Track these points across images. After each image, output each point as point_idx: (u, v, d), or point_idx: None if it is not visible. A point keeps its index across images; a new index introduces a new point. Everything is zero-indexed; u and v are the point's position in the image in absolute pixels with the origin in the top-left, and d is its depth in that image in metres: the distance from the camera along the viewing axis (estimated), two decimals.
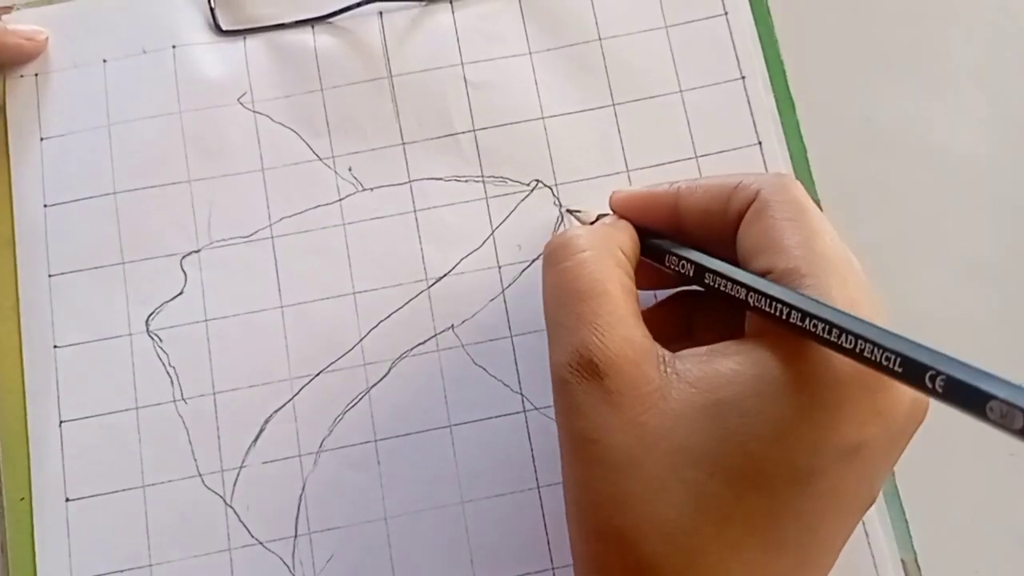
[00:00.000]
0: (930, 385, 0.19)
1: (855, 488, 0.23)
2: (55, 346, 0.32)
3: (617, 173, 0.33)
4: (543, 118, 0.34)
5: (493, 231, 0.33)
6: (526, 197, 0.33)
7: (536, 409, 0.31)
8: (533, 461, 0.31)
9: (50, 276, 0.32)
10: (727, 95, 0.34)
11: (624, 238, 0.27)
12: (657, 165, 0.33)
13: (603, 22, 0.35)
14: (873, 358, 0.20)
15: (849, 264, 0.24)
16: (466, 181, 0.33)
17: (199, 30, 0.35)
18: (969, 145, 0.34)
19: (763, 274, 0.24)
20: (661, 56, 0.34)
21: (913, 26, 0.36)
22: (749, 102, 0.34)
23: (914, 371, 0.20)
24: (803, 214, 0.24)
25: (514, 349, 0.32)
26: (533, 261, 0.33)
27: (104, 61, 0.34)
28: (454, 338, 0.32)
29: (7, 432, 0.31)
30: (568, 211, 0.33)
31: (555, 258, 0.26)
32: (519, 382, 0.32)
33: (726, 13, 0.35)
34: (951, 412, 0.31)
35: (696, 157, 0.33)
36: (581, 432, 0.23)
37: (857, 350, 0.21)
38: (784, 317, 0.22)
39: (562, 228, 0.33)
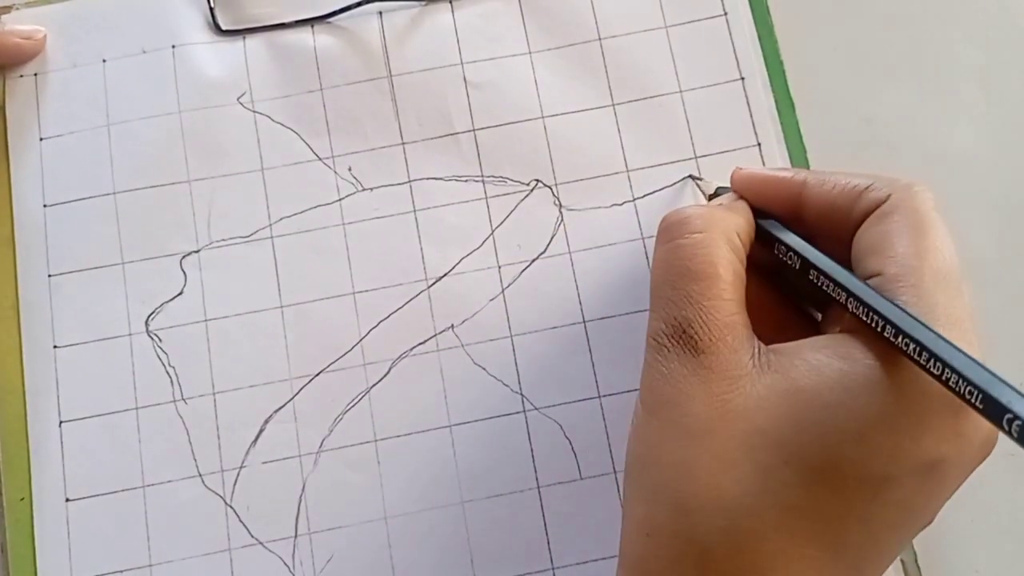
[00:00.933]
0: (1007, 428, 0.20)
1: (922, 506, 0.23)
2: (55, 346, 0.32)
3: (616, 173, 0.33)
4: (543, 118, 0.34)
5: (493, 231, 0.33)
6: (526, 197, 0.33)
7: (536, 409, 0.31)
8: (533, 461, 0.31)
9: (50, 276, 0.32)
10: (727, 96, 0.34)
11: (741, 222, 0.27)
12: (656, 165, 0.33)
13: (603, 22, 0.34)
14: (957, 389, 0.21)
15: (959, 285, 0.24)
16: (466, 181, 0.33)
17: (199, 30, 0.35)
18: (969, 145, 0.34)
19: (871, 276, 0.24)
20: (661, 56, 0.34)
21: (913, 26, 0.36)
22: (748, 103, 0.34)
23: (994, 409, 0.20)
24: (925, 225, 0.24)
25: (514, 349, 0.32)
26: (533, 261, 0.33)
27: (103, 61, 0.34)
28: (454, 338, 0.32)
29: (7, 432, 0.31)
30: (691, 177, 0.33)
31: (670, 234, 0.26)
32: (519, 382, 0.32)
33: (726, 13, 0.35)
34: None
35: (695, 157, 0.33)
36: (665, 394, 0.24)
37: (944, 377, 0.21)
38: (879, 329, 0.22)
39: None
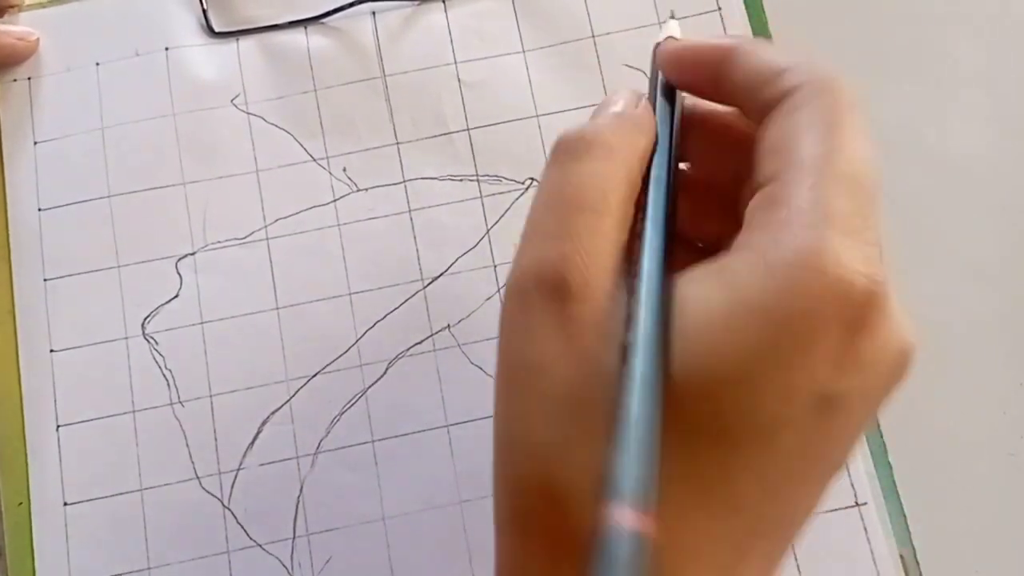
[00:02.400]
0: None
1: (825, 450, 0.20)
2: (51, 350, 0.32)
3: None
4: (537, 116, 0.34)
5: (488, 230, 0.33)
6: (520, 196, 0.33)
7: None
8: None
9: (45, 280, 0.32)
10: None
11: (646, 145, 0.23)
12: None
13: (596, 19, 0.34)
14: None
15: (870, 195, 0.20)
16: (460, 180, 0.33)
17: (192, 32, 0.35)
18: (969, 146, 0.34)
19: (768, 181, 0.20)
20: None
21: (913, 26, 0.36)
22: None
23: None
24: (838, 122, 0.20)
25: None
26: None
27: (97, 64, 0.34)
28: (450, 338, 0.32)
29: (5, 437, 0.31)
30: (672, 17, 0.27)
31: (567, 154, 0.22)
32: None
33: (719, 8, 0.34)
34: (951, 411, 0.31)
35: None
36: (526, 357, 0.20)
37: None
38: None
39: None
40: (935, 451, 0.31)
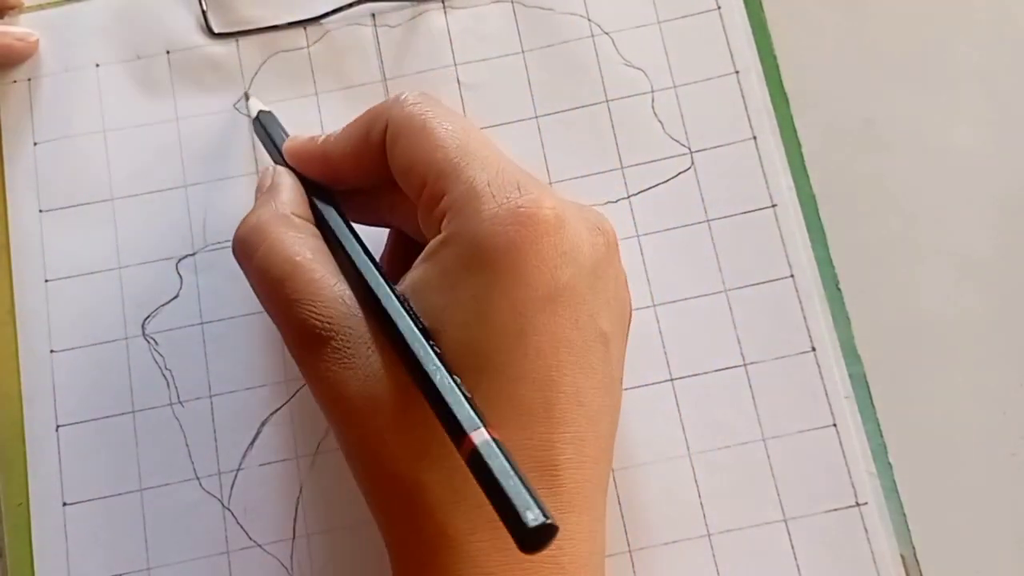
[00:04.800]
0: (464, 456, 0.21)
1: (574, 333, 0.24)
2: (52, 350, 0.32)
3: (611, 170, 0.33)
4: (536, 117, 0.34)
5: None
6: None
7: None
8: None
9: (46, 281, 0.33)
10: (721, 90, 0.34)
11: (292, 196, 0.28)
12: (651, 161, 0.33)
13: (596, 19, 0.34)
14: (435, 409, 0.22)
15: (483, 144, 0.26)
16: None
17: (192, 34, 0.35)
18: (968, 144, 0.34)
19: (419, 189, 0.25)
20: (654, 52, 0.34)
21: (912, 25, 0.36)
22: (743, 96, 0.34)
23: (454, 428, 0.22)
24: (424, 123, 0.26)
25: None
26: None
27: (97, 66, 0.34)
28: None
29: (4, 437, 0.31)
30: (245, 95, 0.34)
31: (244, 253, 0.27)
32: None
33: (719, 8, 0.34)
34: (951, 410, 0.31)
35: (691, 152, 0.33)
36: (327, 396, 0.24)
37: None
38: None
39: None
40: (935, 451, 0.31)
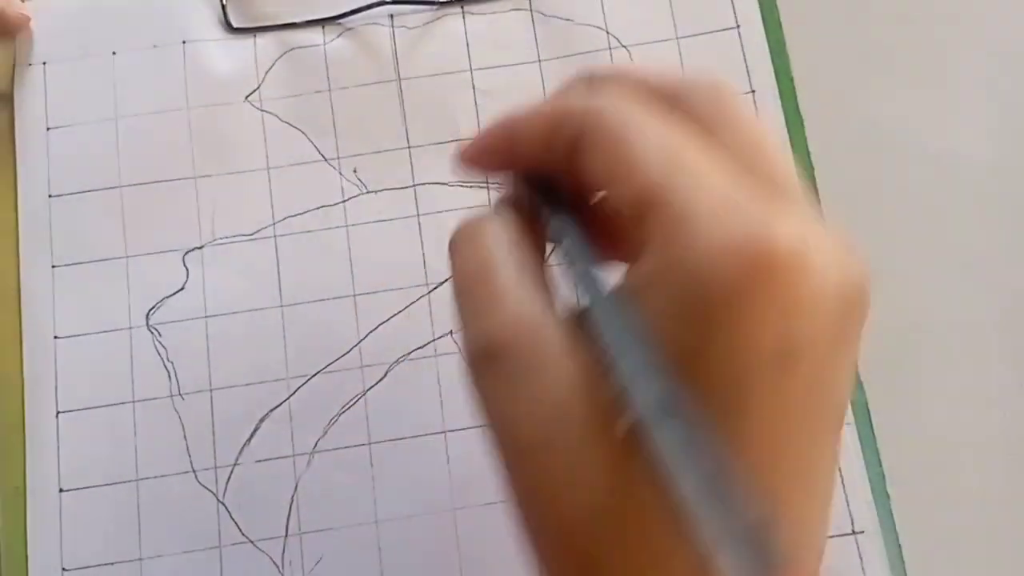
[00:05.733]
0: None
1: (801, 400, 0.19)
2: (55, 336, 0.32)
3: None
4: None
5: None
6: None
7: None
8: None
9: (53, 267, 0.33)
10: None
11: (507, 214, 0.23)
12: None
13: (614, 32, 0.34)
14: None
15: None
16: (470, 187, 0.33)
17: (210, 26, 0.35)
18: (970, 146, 0.34)
19: (616, 206, 0.21)
20: (671, 68, 0.34)
21: (917, 29, 0.35)
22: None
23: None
24: (623, 141, 0.20)
25: None
26: None
27: (113, 53, 0.34)
28: (452, 344, 0.32)
29: (4, 421, 0.31)
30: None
31: (450, 253, 0.23)
32: None
33: (738, 26, 0.34)
34: (951, 414, 0.31)
35: None
36: (493, 423, 0.21)
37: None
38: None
39: None
40: (934, 481, 0.31)
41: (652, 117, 0.21)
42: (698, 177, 0.19)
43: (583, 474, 0.19)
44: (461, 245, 0.23)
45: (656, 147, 0.20)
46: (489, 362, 0.21)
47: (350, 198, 0.33)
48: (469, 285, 0.22)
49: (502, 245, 0.23)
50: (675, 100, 0.22)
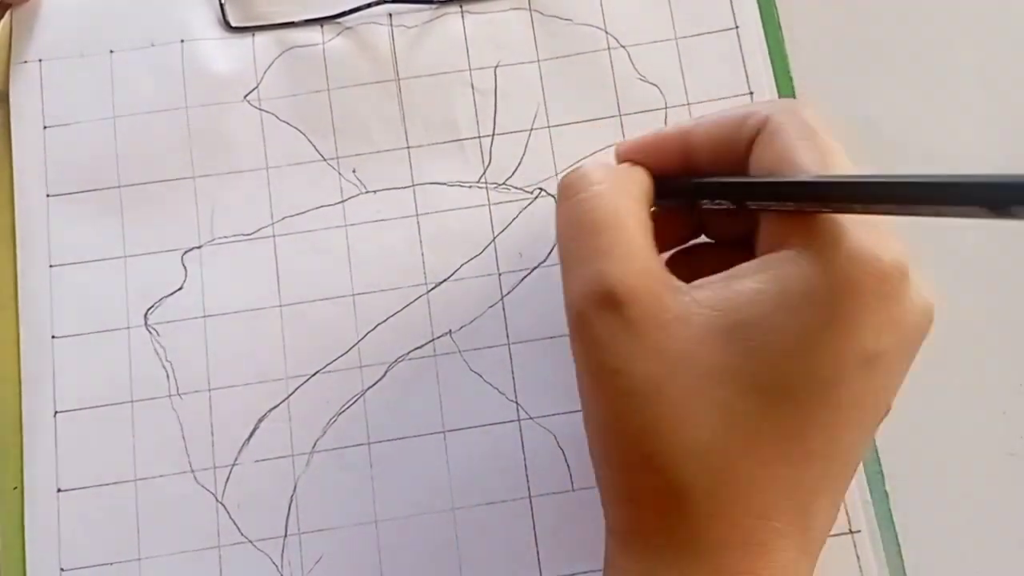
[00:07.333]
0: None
1: (873, 397, 0.23)
2: (53, 336, 0.32)
3: None
4: (549, 127, 0.34)
5: (495, 238, 0.33)
6: (528, 205, 0.33)
7: (530, 418, 0.31)
8: (526, 470, 0.31)
9: (51, 266, 0.32)
10: None
11: (640, 177, 0.26)
12: None
13: (613, 32, 0.34)
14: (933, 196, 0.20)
15: None
16: (469, 187, 0.33)
17: (208, 25, 0.35)
18: (969, 145, 0.34)
19: None
20: (670, 68, 0.34)
21: (917, 28, 0.35)
22: None
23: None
24: (815, 134, 0.24)
25: (511, 357, 0.32)
26: (533, 269, 0.32)
27: (111, 52, 0.34)
28: (451, 343, 0.32)
29: (1, 420, 0.31)
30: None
31: (571, 190, 0.25)
32: (515, 390, 0.31)
33: (737, 27, 0.34)
34: (950, 415, 0.31)
35: None
36: (603, 363, 0.23)
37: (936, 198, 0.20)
38: (845, 201, 0.22)
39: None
40: (932, 483, 0.31)
41: (829, 132, 0.24)
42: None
43: (695, 417, 0.22)
44: (587, 187, 0.24)
45: (829, 152, 0.23)
46: (611, 306, 0.23)
47: (349, 198, 0.33)
48: (601, 229, 0.24)
49: (637, 198, 0.25)
50: (752, 116, 0.25)
